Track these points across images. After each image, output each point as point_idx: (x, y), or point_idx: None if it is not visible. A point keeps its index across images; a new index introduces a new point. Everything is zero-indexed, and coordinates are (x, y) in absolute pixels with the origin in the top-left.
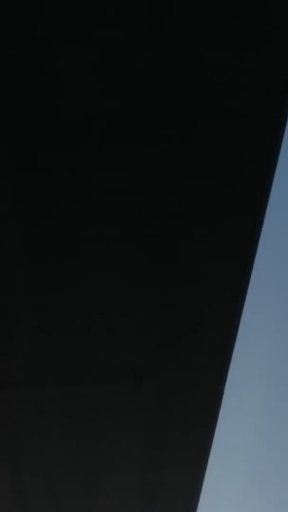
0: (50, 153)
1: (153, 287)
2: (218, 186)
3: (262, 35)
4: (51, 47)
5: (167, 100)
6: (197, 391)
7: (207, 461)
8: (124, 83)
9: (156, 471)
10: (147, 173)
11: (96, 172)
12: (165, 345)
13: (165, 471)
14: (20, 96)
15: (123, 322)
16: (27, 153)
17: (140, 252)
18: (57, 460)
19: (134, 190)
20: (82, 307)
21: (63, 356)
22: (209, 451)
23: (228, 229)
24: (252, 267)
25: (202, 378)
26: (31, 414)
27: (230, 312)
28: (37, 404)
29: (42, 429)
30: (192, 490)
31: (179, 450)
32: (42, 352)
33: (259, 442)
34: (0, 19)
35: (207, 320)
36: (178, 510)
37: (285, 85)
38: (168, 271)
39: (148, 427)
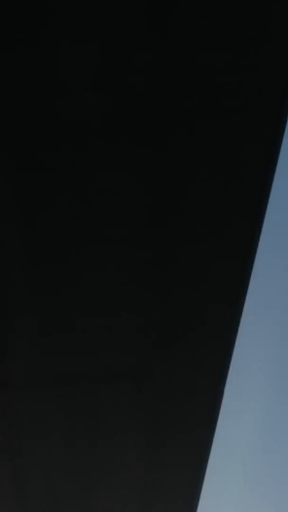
0: (50, 153)
1: (152, 287)
2: (218, 187)
3: (262, 34)
4: (52, 47)
5: (167, 100)
6: (197, 391)
7: (207, 461)
8: (124, 83)
9: (156, 471)
10: (147, 174)
11: (96, 172)
12: (165, 346)
13: (165, 471)
14: (20, 96)
15: (122, 322)
16: (27, 153)
17: (140, 253)
18: (57, 460)
19: (134, 191)
20: (82, 307)
21: (63, 356)
22: (209, 451)
23: (228, 229)
24: (252, 267)
25: (202, 379)
26: (31, 414)
27: (230, 312)
28: (37, 404)
29: (42, 429)
30: (192, 490)
31: (179, 450)
32: (42, 352)
33: (259, 442)
34: (0, 20)
35: (207, 321)
36: (178, 510)
37: (285, 85)
38: (168, 272)
39: (148, 427)
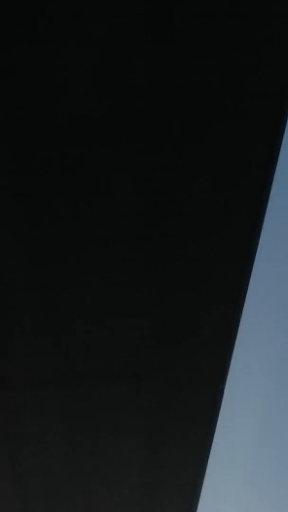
0: (50, 153)
1: (153, 287)
2: (218, 187)
3: (262, 36)
4: (52, 47)
5: (167, 101)
6: (197, 391)
7: (207, 461)
8: (124, 84)
9: (156, 471)
10: (146, 174)
11: (95, 173)
12: (165, 346)
13: (165, 471)
14: (20, 96)
15: (123, 322)
16: (27, 154)
17: (140, 253)
18: (57, 460)
19: (134, 192)
20: (82, 307)
21: (63, 356)
22: (209, 451)
23: (228, 229)
24: (252, 267)
25: (202, 378)
26: (31, 414)
27: (230, 312)
28: (37, 404)
29: (42, 429)
30: (192, 490)
31: (179, 450)
32: (42, 352)
33: (259, 441)
34: (0, 19)
35: (207, 321)
36: (178, 510)
37: (285, 86)
38: (169, 272)
39: (148, 427)
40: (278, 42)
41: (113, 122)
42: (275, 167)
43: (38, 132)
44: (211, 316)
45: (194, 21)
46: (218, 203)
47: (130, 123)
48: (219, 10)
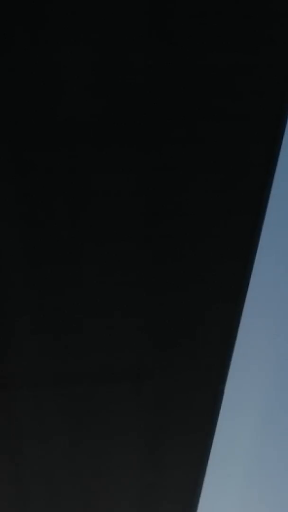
0: (51, 153)
1: (153, 287)
2: (218, 187)
3: (262, 36)
4: (51, 47)
5: (167, 101)
6: (197, 391)
7: (207, 461)
8: (124, 84)
9: (156, 471)
10: (147, 174)
11: (96, 173)
12: (165, 346)
13: (165, 471)
14: (20, 96)
15: (123, 322)
16: (28, 154)
17: (140, 253)
18: (57, 460)
19: (134, 191)
20: (82, 307)
21: (63, 356)
22: (209, 451)
23: (228, 229)
24: (252, 267)
25: (202, 378)
26: (31, 414)
27: (230, 312)
28: (36, 404)
29: (42, 430)
30: (192, 490)
31: (179, 450)
32: (42, 352)
33: (259, 442)
34: (0, 19)
35: (207, 320)
36: (178, 510)
37: (285, 85)
38: (168, 272)
39: (148, 427)
40: (278, 42)
41: (113, 122)
42: (275, 167)
43: (38, 132)
44: (211, 316)
45: (194, 21)
46: (218, 203)
47: (130, 123)
48: (219, 10)
